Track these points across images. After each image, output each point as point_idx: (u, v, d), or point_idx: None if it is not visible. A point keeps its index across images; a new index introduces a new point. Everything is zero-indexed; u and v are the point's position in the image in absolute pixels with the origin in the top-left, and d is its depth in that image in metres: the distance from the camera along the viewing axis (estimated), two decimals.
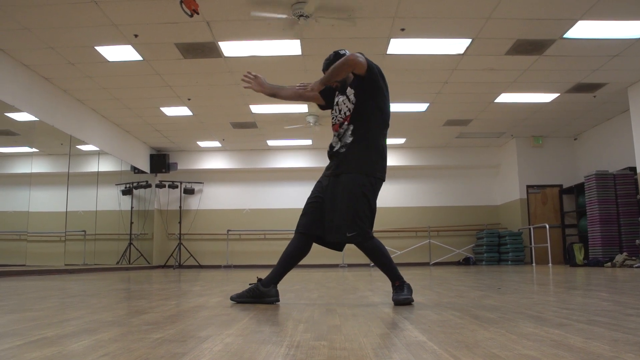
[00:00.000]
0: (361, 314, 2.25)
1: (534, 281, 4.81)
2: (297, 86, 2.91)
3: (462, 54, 7.25)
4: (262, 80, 2.94)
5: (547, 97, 9.25)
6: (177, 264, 12.53)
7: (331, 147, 2.77)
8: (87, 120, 9.53)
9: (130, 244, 11.60)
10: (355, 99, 2.70)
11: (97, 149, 10.02)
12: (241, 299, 2.71)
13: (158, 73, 7.84)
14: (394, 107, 8.67)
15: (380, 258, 2.66)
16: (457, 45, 7.01)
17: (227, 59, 7.33)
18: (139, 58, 7.24)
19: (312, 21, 5.98)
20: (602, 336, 1.55)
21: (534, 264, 10.85)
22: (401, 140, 12.39)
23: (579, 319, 1.94)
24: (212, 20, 6.19)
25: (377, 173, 2.68)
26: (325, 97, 2.92)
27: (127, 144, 11.36)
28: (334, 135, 2.78)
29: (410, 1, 5.80)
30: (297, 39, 6.73)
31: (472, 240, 12.97)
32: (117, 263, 11.02)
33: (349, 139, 2.68)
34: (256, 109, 9.71)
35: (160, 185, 12.95)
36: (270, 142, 12.52)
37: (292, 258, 2.71)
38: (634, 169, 9.26)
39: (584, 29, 6.44)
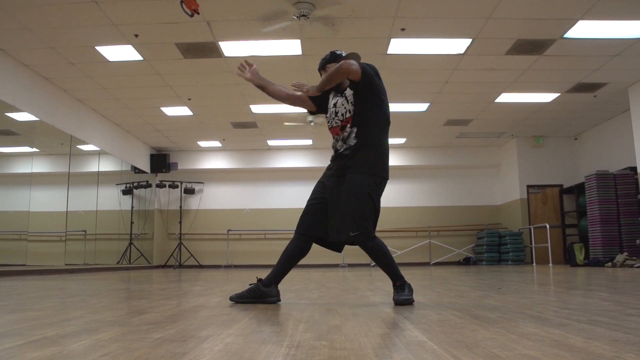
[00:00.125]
0: (361, 313, 2.25)
1: (534, 281, 4.81)
2: (292, 85, 2.91)
3: (463, 54, 7.25)
4: (254, 70, 2.96)
5: (547, 97, 9.25)
6: (177, 263, 12.53)
7: (335, 150, 2.78)
8: (88, 120, 9.53)
9: (130, 243, 11.60)
10: (355, 101, 2.71)
11: (97, 148, 10.03)
12: (241, 300, 2.70)
13: (158, 73, 7.84)
14: (395, 107, 8.72)
15: (382, 258, 2.66)
16: (457, 45, 7.01)
17: (227, 59, 7.33)
18: (140, 58, 7.25)
19: (312, 21, 5.99)
20: (602, 336, 1.55)
21: (534, 264, 10.84)
22: (401, 140, 12.39)
23: (580, 319, 1.94)
24: (213, 20, 6.19)
25: (381, 172, 2.69)
26: (316, 101, 2.93)
27: (127, 144, 11.36)
28: (337, 139, 2.77)
29: (411, 1, 5.80)
30: (297, 38, 6.73)
31: (472, 240, 12.97)
32: (118, 263, 11.02)
33: (353, 142, 2.69)
34: (256, 108, 9.70)
35: (160, 185, 12.96)
36: (271, 142, 12.52)
37: (292, 258, 2.72)
38: (634, 169, 9.26)
39: (584, 29, 6.43)
